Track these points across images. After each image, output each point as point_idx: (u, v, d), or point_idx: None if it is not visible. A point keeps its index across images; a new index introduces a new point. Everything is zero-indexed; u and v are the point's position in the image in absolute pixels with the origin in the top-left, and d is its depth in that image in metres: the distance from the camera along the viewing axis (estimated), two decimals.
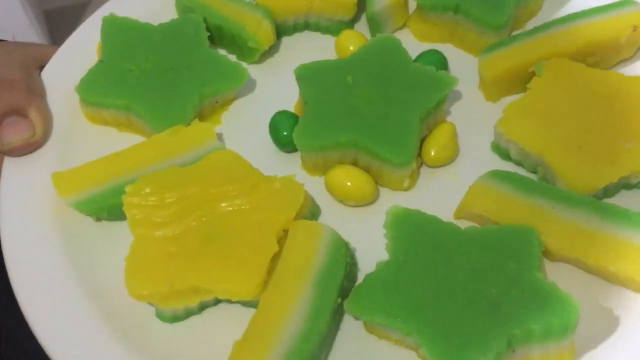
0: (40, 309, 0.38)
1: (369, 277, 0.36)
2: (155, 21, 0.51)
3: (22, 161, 0.45)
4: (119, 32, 0.49)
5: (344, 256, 0.37)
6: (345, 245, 0.38)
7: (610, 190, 0.42)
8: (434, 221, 0.38)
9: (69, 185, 0.41)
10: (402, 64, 0.46)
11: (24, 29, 1.12)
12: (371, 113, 0.43)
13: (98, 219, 0.43)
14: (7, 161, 0.45)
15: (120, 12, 0.51)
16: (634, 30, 0.46)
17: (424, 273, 0.36)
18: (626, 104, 0.43)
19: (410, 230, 0.38)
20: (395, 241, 0.37)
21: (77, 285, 0.39)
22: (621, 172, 0.40)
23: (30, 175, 0.44)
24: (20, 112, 0.44)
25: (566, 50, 0.46)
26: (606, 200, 0.42)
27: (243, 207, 0.39)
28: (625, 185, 0.42)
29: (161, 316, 0.38)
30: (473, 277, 0.35)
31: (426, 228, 0.38)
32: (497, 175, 0.41)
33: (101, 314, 0.38)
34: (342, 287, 0.36)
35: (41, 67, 0.50)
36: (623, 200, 0.42)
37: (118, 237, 0.41)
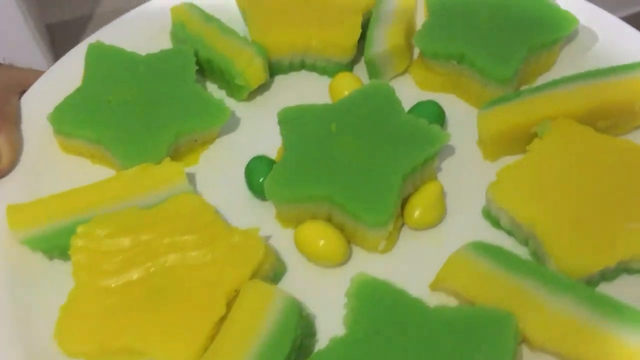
0: None
1: (318, 354, 0.33)
2: (151, 50, 0.49)
3: None
4: (104, 60, 0.47)
5: (294, 327, 0.33)
6: (299, 315, 0.34)
7: (608, 274, 0.37)
8: (401, 296, 0.35)
9: (22, 220, 0.39)
10: (393, 115, 0.43)
11: (26, 42, 1.12)
12: (351, 166, 0.40)
13: (50, 258, 0.40)
14: None
15: (116, 39, 0.50)
16: None
17: (381, 356, 0.32)
18: (634, 178, 0.38)
19: (374, 303, 0.34)
20: (356, 314, 0.34)
21: (12, 327, 0.37)
22: (620, 256, 0.35)
23: None
24: None
25: (574, 111, 0.42)
26: (605, 285, 0.37)
27: (197, 260, 0.36)
28: (626, 269, 0.37)
29: None
30: None
31: (391, 303, 0.34)
32: (479, 247, 0.37)
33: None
34: None
35: (24, 92, 0.49)
36: (623, 285, 0.37)
37: (68, 280, 0.38)
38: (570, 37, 0.50)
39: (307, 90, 0.50)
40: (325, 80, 0.50)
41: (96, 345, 0.33)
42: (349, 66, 0.51)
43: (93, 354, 0.33)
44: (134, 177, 0.41)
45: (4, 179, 0.44)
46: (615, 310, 0.33)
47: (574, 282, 0.35)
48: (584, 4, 0.52)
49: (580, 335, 0.33)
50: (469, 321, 0.33)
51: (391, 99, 0.44)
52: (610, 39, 0.50)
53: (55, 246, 0.39)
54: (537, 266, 0.36)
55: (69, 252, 0.37)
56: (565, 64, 0.50)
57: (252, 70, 0.47)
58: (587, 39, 0.50)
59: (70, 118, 0.44)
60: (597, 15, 0.51)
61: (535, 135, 0.42)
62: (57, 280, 0.39)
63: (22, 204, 0.40)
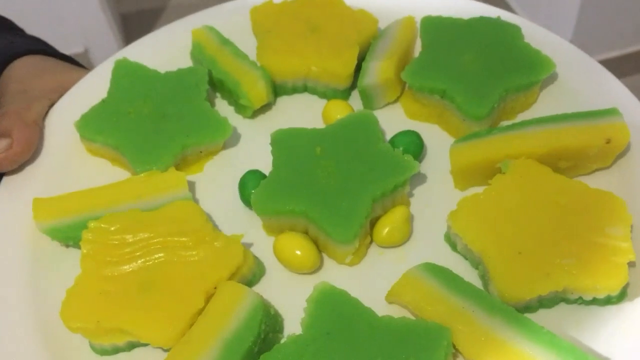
0: None
1: (277, 347, 0.38)
2: (173, 66, 0.56)
3: (17, 183, 0.50)
4: (127, 75, 0.54)
5: (258, 323, 0.39)
6: (265, 312, 0.40)
7: (546, 302, 0.42)
8: (354, 304, 0.40)
9: (44, 212, 0.46)
10: (371, 143, 0.48)
11: (103, 31, 1.23)
12: (328, 187, 0.46)
13: (67, 246, 0.47)
14: (4, 181, 0.50)
15: (143, 55, 0.57)
16: (608, 142, 0.46)
17: (326, 355, 0.37)
18: (577, 218, 0.42)
19: (329, 309, 0.40)
20: (311, 317, 0.39)
21: (29, 305, 0.44)
22: (552, 287, 0.40)
23: (20, 197, 0.49)
24: (4, 134, 0.49)
25: (535, 151, 0.46)
26: (544, 311, 0.42)
27: (184, 260, 0.42)
28: (563, 299, 0.42)
29: (93, 348, 0.42)
30: None
31: (344, 310, 0.39)
32: (429, 268, 0.42)
33: (42, 335, 0.42)
34: (252, 353, 0.39)
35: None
36: (559, 313, 0.42)
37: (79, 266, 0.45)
38: (552, 78, 0.55)
39: (306, 111, 0.56)
40: (324, 103, 0.56)
41: (93, 324, 0.39)
42: (347, 92, 0.56)
43: (90, 332, 0.40)
44: (142, 183, 0.47)
45: (34, 176, 0.51)
46: (533, 332, 0.38)
47: (504, 305, 0.39)
48: (570, 48, 0.56)
49: (500, 351, 0.37)
50: (409, 331, 0.38)
51: (373, 128, 0.49)
52: (590, 83, 0.53)
53: (71, 237, 0.46)
54: (476, 289, 0.41)
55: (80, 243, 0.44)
56: (546, 104, 0.54)
57: (255, 92, 0.53)
58: (568, 82, 0.54)
59: (93, 126, 0.51)
60: (581, 59, 0.55)
61: (499, 170, 0.47)
62: (71, 266, 0.46)
63: (45, 198, 0.47)
